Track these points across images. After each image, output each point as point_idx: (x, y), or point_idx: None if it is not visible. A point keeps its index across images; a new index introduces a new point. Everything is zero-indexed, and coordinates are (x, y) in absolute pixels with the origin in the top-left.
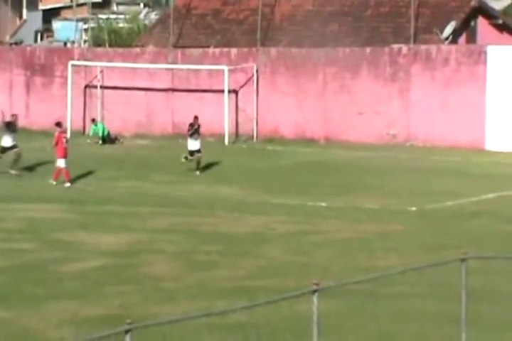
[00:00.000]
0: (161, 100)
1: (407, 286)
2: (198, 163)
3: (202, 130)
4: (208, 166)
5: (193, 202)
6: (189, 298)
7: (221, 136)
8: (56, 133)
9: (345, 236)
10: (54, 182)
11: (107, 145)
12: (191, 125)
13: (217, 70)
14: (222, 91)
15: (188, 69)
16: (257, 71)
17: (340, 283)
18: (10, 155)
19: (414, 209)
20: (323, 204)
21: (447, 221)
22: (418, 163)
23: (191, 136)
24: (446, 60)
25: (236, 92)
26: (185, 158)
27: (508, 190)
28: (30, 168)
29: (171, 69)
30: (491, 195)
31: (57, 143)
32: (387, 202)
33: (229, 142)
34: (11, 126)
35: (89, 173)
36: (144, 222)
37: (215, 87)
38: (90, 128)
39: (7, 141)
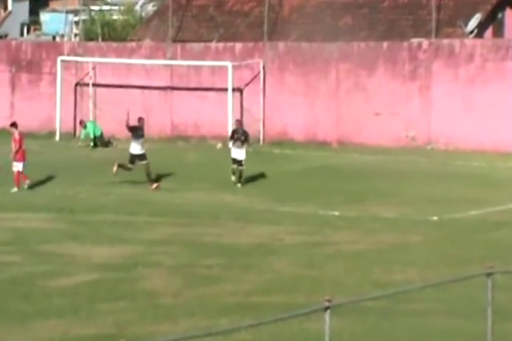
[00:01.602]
0: (159, 99)
1: (427, 303)
2: (240, 174)
3: (203, 132)
4: (210, 171)
5: (194, 211)
6: (189, 316)
7: (224, 139)
8: (16, 136)
9: (360, 248)
10: (17, 189)
11: (99, 149)
12: (235, 132)
13: (220, 67)
14: (226, 89)
15: (189, 66)
16: (263, 67)
17: (354, 299)
18: (141, 168)
19: (434, 218)
20: (336, 213)
21: (471, 232)
22: (439, 168)
23: (234, 143)
24: (470, 56)
25: (241, 91)
26: (233, 171)
27: None
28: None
29: (170, 66)
30: None
31: (20, 146)
32: (405, 211)
33: None
34: (137, 131)
35: (80, 179)
36: (140, 232)
37: (217, 85)
38: (81, 132)
39: (135, 147)
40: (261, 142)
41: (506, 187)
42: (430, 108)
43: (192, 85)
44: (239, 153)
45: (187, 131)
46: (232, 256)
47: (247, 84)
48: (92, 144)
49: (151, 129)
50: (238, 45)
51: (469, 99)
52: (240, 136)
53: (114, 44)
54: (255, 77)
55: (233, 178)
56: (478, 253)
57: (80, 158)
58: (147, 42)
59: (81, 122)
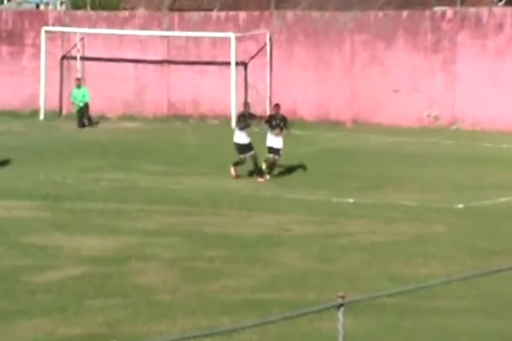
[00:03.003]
0: (154, 74)
1: (452, 300)
2: (274, 164)
3: (203, 110)
4: (211, 154)
5: (193, 198)
6: (188, 314)
7: (227, 118)
8: None
9: (377, 239)
10: None
11: (87, 129)
12: (272, 118)
13: (222, 38)
14: (229, 63)
15: (187, 37)
16: (270, 39)
17: (371, 295)
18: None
19: (460, 206)
20: (351, 200)
21: (501, 220)
22: (465, 151)
23: (272, 130)
24: (500, 26)
25: (245, 65)
26: (266, 161)
27: None
28: None
29: (166, 37)
30: None
31: None
32: (427, 198)
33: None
34: (239, 117)
35: (66, 163)
36: (133, 222)
37: (219, 59)
38: (71, 96)
39: (239, 136)
40: None
41: None
42: (455, 84)
43: (191, 59)
44: (276, 141)
45: (185, 110)
46: (235, 248)
47: (251, 58)
48: (78, 108)
49: (145, 107)
50: (242, 14)
51: (498, 73)
52: (279, 122)
53: (105, 13)
54: (261, 49)
55: (264, 166)
56: (509, 245)
57: (67, 139)
58: (141, 11)
59: (78, 79)
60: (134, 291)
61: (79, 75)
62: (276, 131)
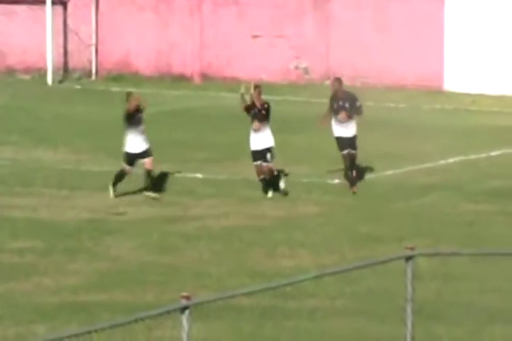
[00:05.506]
0: None
1: (326, 299)
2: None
3: (11, 62)
4: (21, 118)
5: None
6: None
7: (41, 72)
8: None
9: (232, 223)
10: None
11: None
12: (250, 107)
13: None
14: (43, 2)
15: None
16: None
17: (224, 295)
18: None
19: (336, 181)
20: (199, 175)
21: (386, 199)
22: None
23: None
24: None
25: (64, 4)
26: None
27: (476, 152)
28: None
29: None
30: (451, 160)
31: None
32: (295, 172)
33: (53, 81)
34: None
35: None
36: None
37: None
38: None
39: (339, 128)
40: (93, 76)
41: (435, 137)
42: (329, 28)
43: None
44: (259, 140)
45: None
46: (52, 237)
47: None
48: None
49: None
50: None
51: (384, 14)
52: (258, 111)
53: None
54: None
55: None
56: (395, 229)
57: None
58: None
59: None
60: None
61: None
62: (256, 124)
